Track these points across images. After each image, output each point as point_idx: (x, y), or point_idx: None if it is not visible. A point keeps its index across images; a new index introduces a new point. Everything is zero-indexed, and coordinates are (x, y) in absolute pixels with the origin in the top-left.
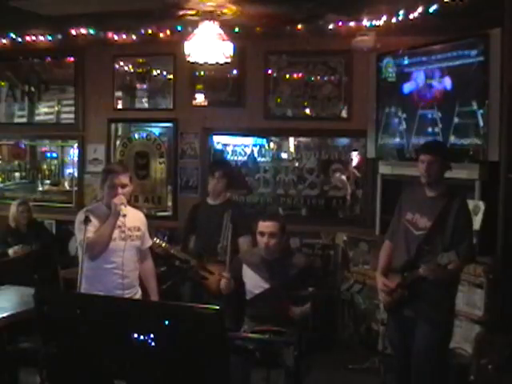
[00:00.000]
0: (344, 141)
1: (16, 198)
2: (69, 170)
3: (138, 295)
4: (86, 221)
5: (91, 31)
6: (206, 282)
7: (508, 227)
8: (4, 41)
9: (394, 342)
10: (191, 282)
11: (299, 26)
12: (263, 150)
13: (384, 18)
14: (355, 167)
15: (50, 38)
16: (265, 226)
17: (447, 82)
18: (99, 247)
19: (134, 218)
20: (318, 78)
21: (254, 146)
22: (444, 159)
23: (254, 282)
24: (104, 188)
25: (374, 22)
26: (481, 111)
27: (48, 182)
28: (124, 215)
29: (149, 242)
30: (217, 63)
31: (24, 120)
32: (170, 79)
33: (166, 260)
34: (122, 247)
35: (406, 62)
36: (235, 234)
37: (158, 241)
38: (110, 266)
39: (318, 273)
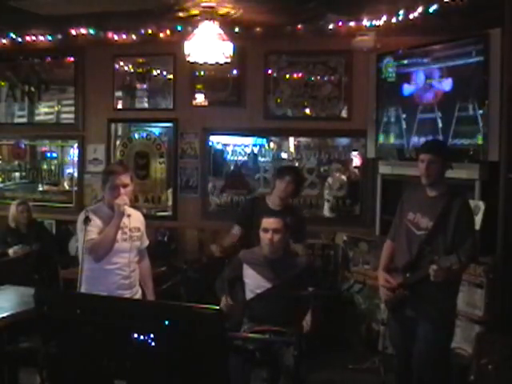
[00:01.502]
0: (344, 141)
1: (16, 198)
2: (69, 170)
3: (139, 294)
4: (86, 221)
5: (91, 31)
6: None
7: (508, 227)
8: (4, 41)
9: (395, 341)
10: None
11: (299, 26)
12: (263, 149)
13: (384, 18)
14: (355, 167)
15: (50, 38)
16: (268, 222)
17: (447, 82)
18: (104, 249)
19: (134, 218)
20: (318, 78)
21: (254, 145)
22: (444, 159)
23: (255, 282)
24: (105, 189)
25: (374, 22)
26: (481, 111)
27: (48, 181)
28: (129, 215)
29: (146, 242)
30: (217, 63)
31: (24, 120)
32: (170, 79)
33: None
34: (124, 248)
35: (406, 62)
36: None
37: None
38: (113, 267)
39: (319, 272)
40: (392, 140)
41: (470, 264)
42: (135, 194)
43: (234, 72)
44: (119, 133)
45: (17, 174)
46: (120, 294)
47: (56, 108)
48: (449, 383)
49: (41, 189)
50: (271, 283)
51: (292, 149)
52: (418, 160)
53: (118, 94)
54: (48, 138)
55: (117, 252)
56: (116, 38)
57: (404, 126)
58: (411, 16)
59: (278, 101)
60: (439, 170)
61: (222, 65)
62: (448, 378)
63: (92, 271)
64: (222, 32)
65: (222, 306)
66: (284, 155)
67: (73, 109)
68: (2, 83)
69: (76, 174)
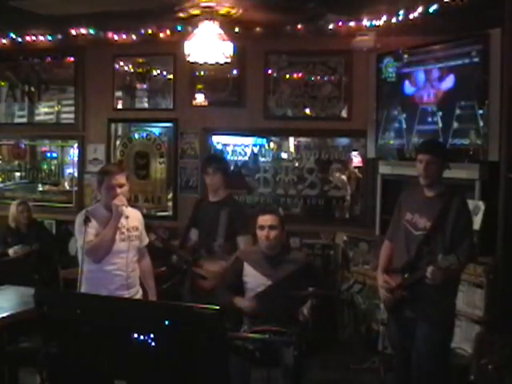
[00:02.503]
0: (344, 141)
1: (16, 198)
2: (69, 170)
3: (139, 295)
4: (86, 221)
5: (91, 31)
6: (201, 280)
7: (508, 227)
8: (4, 41)
9: (394, 342)
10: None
11: (299, 26)
12: (263, 149)
13: (384, 17)
14: (355, 167)
15: (49, 38)
16: (264, 219)
17: (447, 82)
18: (103, 250)
19: (132, 218)
20: (318, 78)
21: (254, 145)
22: (443, 159)
23: (255, 280)
24: (101, 190)
25: (374, 22)
26: (481, 111)
27: (48, 181)
28: (126, 217)
29: (146, 240)
30: (217, 63)
31: (24, 120)
32: (169, 79)
33: (166, 257)
34: (122, 248)
35: (406, 62)
36: (233, 233)
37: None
38: (112, 268)
39: (318, 270)
40: (392, 140)
41: (468, 264)
42: (135, 193)
43: (234, 72)
44: (119, 133)
45: (17, 174)
46: (119, 295)
47: (56, 108)
48: (449, 383)
49: (41, 189)
50: (270, 280)
51: (292, 149)
52: (417, 160)
53: (118, 94)
54: (48, 138)
55: (115, 253)
56: (116, 37)
57: (404, 125)
58: (411, 16)
59: (278, 101)
60: (438, 170)
61: (222, 65)
62: (448, 378)
63: (91, 272)
64: (222, 32)
65: (246, 308)
66: (284, 155)
67: (73, 109)
68: (2, 83)
69: (76, 174)
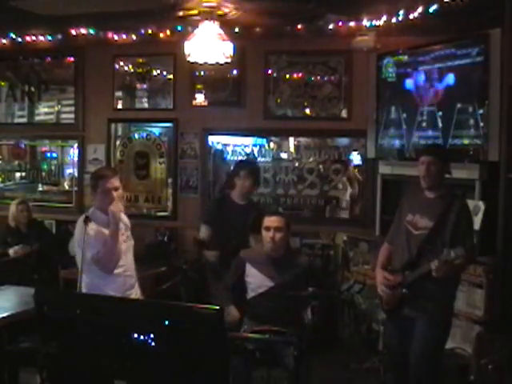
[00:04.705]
0: (344, 141)
1: (16, 198)
2: (69, 170)
3: (139, 293)
4: (86, 221)
5: (91, 31)
6: None
7: (508, 227)
8: (4, 41)
9: (391, 341)
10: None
11: (299, 26)
12: (263, 149)
13: (384, 18)
14: (355, 167)
15: (49, 38)
16: (270, 220)
17: (447, 82)
18: (114, 262)
19: (124, 218)
20: (318, 78)
21: (254, 145)
22: (443, 161)
23: (258, 281)
24: (96, 194)
25: (374, 22)
26: (481, 111)
27: (48, 181)
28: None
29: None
30: (217, 63)
31: (24, 120)
32: (169, 79)
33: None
34: (125, 250)
35: (406, 61)
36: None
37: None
38: (121, 270)
39: (319, 273)
40: (392, 140)
41: (469, 265)
42: (135, 193)
43: (234, 72)
44: (119, 133)
45: (17, 174)
46: (128, 295)
47: (56, 108)
48: (444, 382)
49: (41, 189)
50: (273, 282)
51: (292, 149)
52: (419, 163)
53: (118, 94)
54: (48, 138)
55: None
56: (116, 38)
57: (404, 126)
58: (411, 16)
59: (278, 101)
60: (438, 172)
61: (222, 65)
62: (441, 378)
63: (98, 278)
64: (222, 32)
65: (229, 318)
66: (284, 155)
67: (73, 109)
68: (2, 83)
69: (76, 174)
